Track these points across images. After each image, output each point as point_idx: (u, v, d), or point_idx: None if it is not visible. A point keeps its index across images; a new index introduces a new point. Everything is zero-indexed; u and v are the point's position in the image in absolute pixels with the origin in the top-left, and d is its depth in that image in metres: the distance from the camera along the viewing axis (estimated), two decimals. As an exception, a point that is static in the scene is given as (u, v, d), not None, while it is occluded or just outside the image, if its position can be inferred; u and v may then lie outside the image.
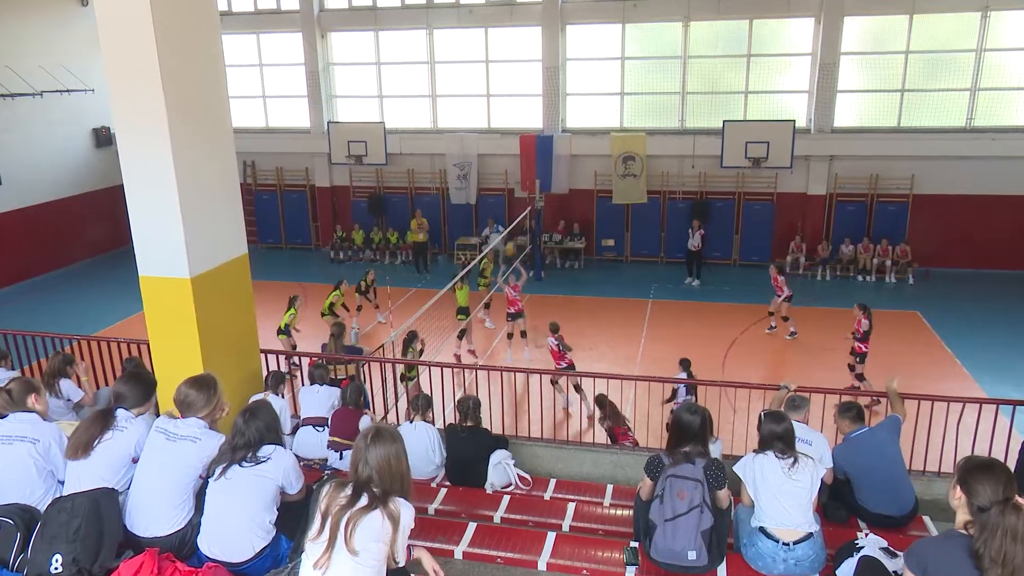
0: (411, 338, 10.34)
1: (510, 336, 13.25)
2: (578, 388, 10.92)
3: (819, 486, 4.53)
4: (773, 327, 14.25)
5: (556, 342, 10.97)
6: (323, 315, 13.36)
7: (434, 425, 6.82)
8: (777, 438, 4.55)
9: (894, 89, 17.56)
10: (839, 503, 5.67)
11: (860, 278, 17.60)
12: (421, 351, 10.47)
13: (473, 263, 14.94)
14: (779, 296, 13.83)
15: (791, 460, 4.47)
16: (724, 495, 4.41)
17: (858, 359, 11.36)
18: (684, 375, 9.46)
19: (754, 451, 4.67)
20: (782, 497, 4.42)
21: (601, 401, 8.91)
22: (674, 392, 9.43)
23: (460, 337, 13.16)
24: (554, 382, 11.11)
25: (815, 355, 12.94)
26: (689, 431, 4.44)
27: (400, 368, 9.61)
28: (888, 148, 17.51)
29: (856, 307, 11.40)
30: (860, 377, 11.39)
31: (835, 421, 5.83)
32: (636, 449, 7.39)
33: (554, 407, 11.00)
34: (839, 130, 17.95)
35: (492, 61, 19.55)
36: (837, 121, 17.94)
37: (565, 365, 10.99)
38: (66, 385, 6.51)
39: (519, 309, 13.12)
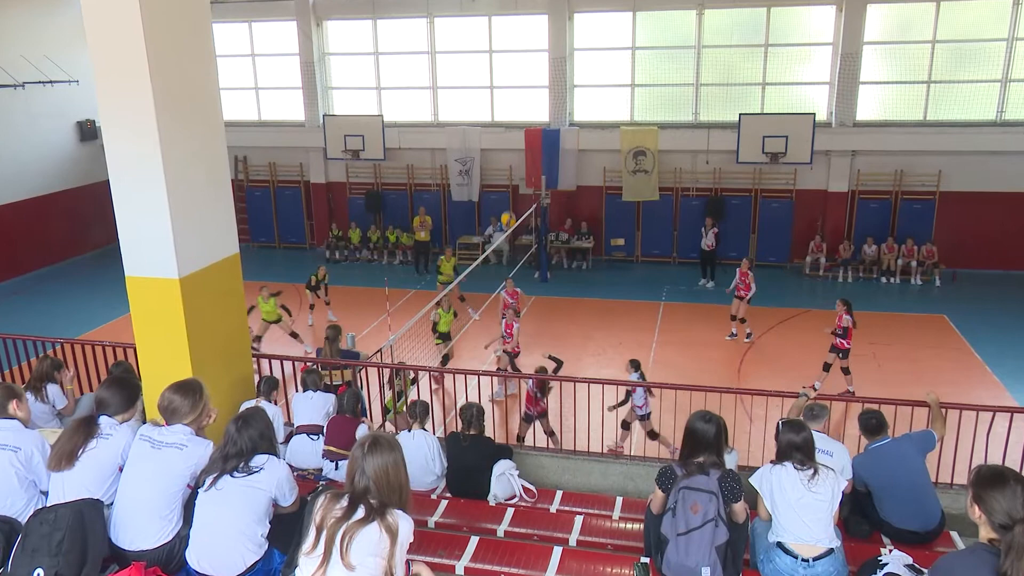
0: (394, 375, 9.06)
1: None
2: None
3: (840, 499, 4.52)
4: (734, 333, 14.26)
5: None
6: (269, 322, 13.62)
7: (433, 433, 6.83)
8: (796, 448, 4.54)
9: (920, 80, 17.52)
10: (862, 517, 5.66)
11: (884, 280, 17.56)
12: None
13: (473, 265, 14.94)
14: (744, 296, 13.88)
15: (811, 471, 4.47)
16: (740, 508, 4.40)
17: (840, 355, 11.71)
18: (636, 376, 9.57)
19: (771, 462, 4.66)
20: (801, 511, 4.41)
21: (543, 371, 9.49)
22: (628, 395, 9.53)
23: (444, 363, 12.48)
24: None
25: (836, 361, 12.89)
26: (704, 440, 4.44)
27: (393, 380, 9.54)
28: (913, 143, 17.46)
29: (839, 302, 11.77)
30: (845, 371, 11.78)
31: (861, 430, 5.81)
32: (647, 460, 7.39)
33: (560, 415, 11.00)
34: (862, 124, 17.91)
35: (496, 51, 19.56)
36: (860, 114, 17.89)
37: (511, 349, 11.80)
38: (53, 390, 6.54)
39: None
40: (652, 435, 9.65)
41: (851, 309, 11.59)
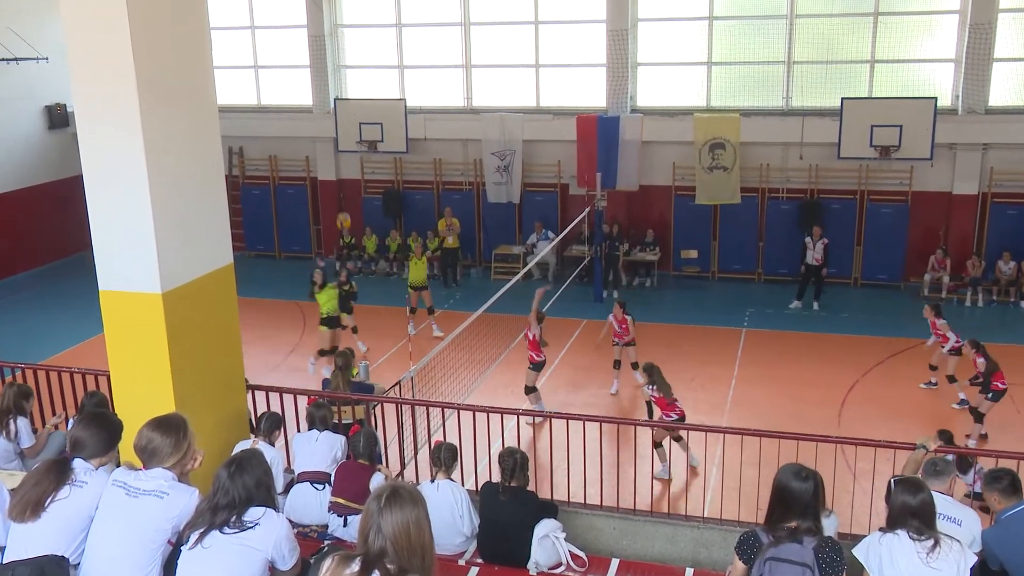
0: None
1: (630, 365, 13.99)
2: (678, 439, 10.87)
3: (968, 578, 4.43)
4: (933, 383, 13.77)
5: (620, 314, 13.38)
6: None
7: (463, 485, 6.84)
8: (912, 514, 4.49)
9: (1070, 57, 17.25)
10: (995, 601, 5.52)
11: (1024, 304, 17.23)
12: None
13: (513, 280, 14.92)
14: (944, 346, 13.18)
15: (930, 543, 4.41)
16: (841, 586, 4.33)
17: (991, 396, 11.50)
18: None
19: (881, 529, 4.62)
20: (918, 591, 4.33)
21: (649, 369, 10.82)
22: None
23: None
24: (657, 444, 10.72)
25: (983, 402, 12.64)
26: (799, 502, 4.37)
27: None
28: (1062, 134, 17.16)
29: (967, 344, 11.75)
30: (976, 405, 11.71)
31: (983, 494, 5.70)
32: (724, 523, 7.30)
33: (617, 466, 10.92)
34: (995, 110, 17.65)
35: (543, 22, 19.69)
36: (993, 99, 17.64)
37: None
38: (23, 425, 6.68)
39: (629, 339, 13.75)
40: None
41: (983, 349, 11.48)
